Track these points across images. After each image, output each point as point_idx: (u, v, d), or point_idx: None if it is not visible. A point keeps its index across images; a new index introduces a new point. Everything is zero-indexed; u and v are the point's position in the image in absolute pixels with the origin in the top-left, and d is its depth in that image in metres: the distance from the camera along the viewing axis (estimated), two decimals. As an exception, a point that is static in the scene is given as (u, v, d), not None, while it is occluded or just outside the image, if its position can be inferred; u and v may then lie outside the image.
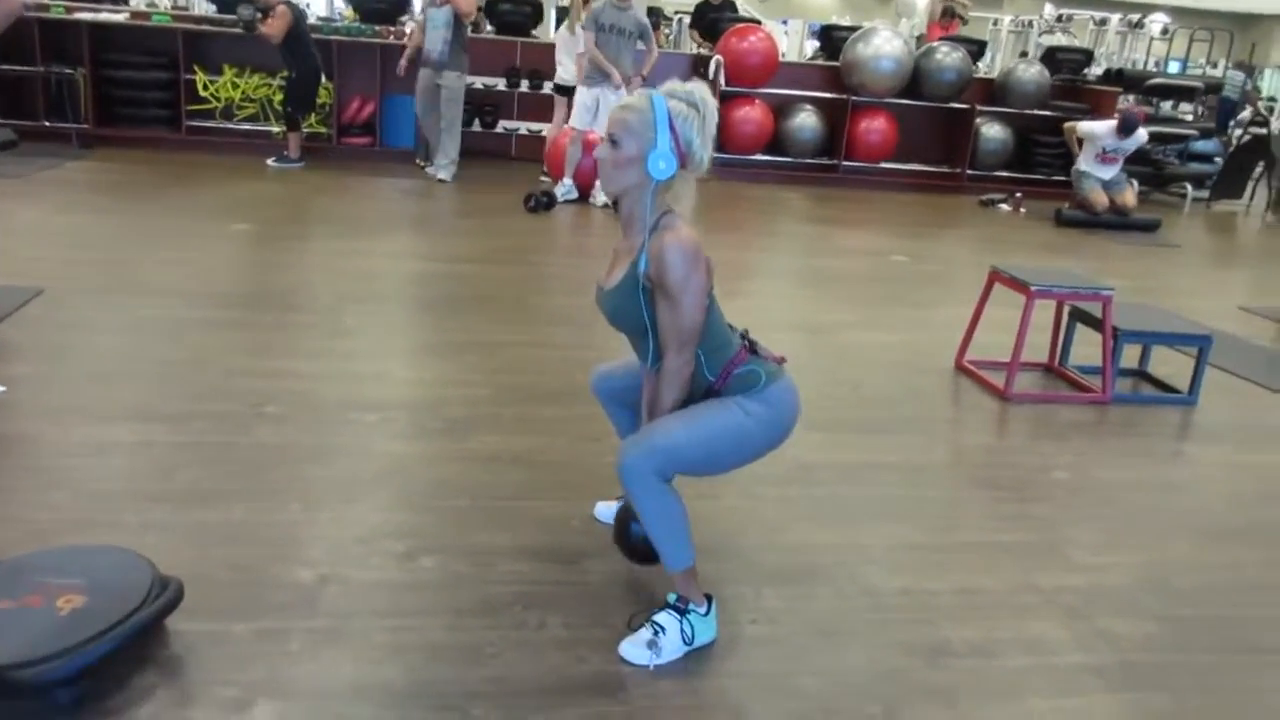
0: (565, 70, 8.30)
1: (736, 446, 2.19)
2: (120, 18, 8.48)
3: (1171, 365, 4.58)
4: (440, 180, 8.00)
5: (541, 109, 9.19)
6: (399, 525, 2.65)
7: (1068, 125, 8.62)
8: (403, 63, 7.99)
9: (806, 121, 9.48)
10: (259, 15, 7.72)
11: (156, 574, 2.14)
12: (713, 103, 2.12)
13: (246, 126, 8.85)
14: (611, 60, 7.23)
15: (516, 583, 2.42)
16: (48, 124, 8.33)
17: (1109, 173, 8.44)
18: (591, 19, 7.27)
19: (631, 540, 2.35)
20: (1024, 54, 12.61)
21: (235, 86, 8.72)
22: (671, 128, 2.06)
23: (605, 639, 2.21)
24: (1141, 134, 8.21)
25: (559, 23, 10.47)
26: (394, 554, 2.51)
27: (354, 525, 2.63)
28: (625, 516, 2.37)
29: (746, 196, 8.57)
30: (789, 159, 9.62)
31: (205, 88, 8.67)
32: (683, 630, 2.18)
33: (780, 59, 9.70)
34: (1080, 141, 8.44)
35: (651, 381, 2.25)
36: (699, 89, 2.11)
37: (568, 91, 8.13)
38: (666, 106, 2.06)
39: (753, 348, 2.25)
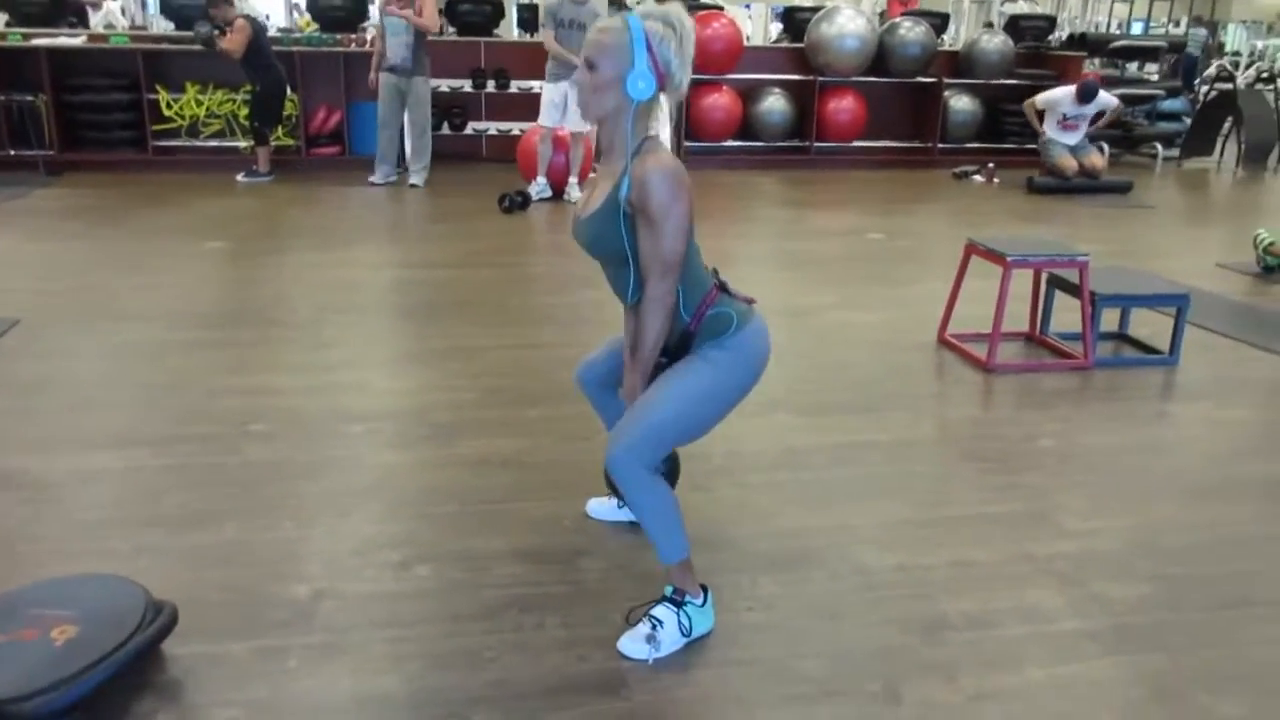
0: None
1: (713, 405, 2.19)
2: (78, 42, 8.41)
3: (1151, 326, 4.61)
4: (413, 185, 7.97)
5: (510, 108, 9.17)
6: (392, 535, 2.65)
7: (1026, 102, 8.63)
8: (372, 75, 7.90)
9: (775, 105, 9.49)
10: (217, 32, 7.66)
11: (150, 599, 2.13)
12: (689, 22, 2.09)
13: (213, 143, 8.79)
14: (575, 54, 7.21)
15: (512, 585, 2.42)
16: (12, 153, 8.26)
17: (1074, 138, 8.51)
18: (549, 15, 7.23)
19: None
20: (989, 24, 12.65)
21: (199, 104, 8.66)
22: (649, 48, 2.03)
23: (604, 636, 2.21)
24: (1103, 98, 8.27)
25: (521, 22, 10.44)
26: (388, 564, 2.51)
27: (347, 538, 2.63)
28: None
29: (719, 183, 8.57)
30: (760, 143, 9.63)
31: (169, 106, 8.60)
32: (680, 622, 2.18)
33: (745, 43, 9.70)
34: (1041, 114, 8.50)
35: (633, 321, 2.21)
36: (675, 9, 2.08)
37: None
38: (643, 27, 2.03)
39: (724, 287, 2.23)
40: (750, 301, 2.27)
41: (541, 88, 7.41)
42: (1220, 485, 3.11)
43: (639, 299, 2.14)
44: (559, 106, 7.27)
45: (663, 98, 2.12)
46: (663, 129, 2.19)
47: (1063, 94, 8.28)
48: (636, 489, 2.11)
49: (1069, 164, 8.42)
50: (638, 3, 11.21)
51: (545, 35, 7.27)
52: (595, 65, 2.06)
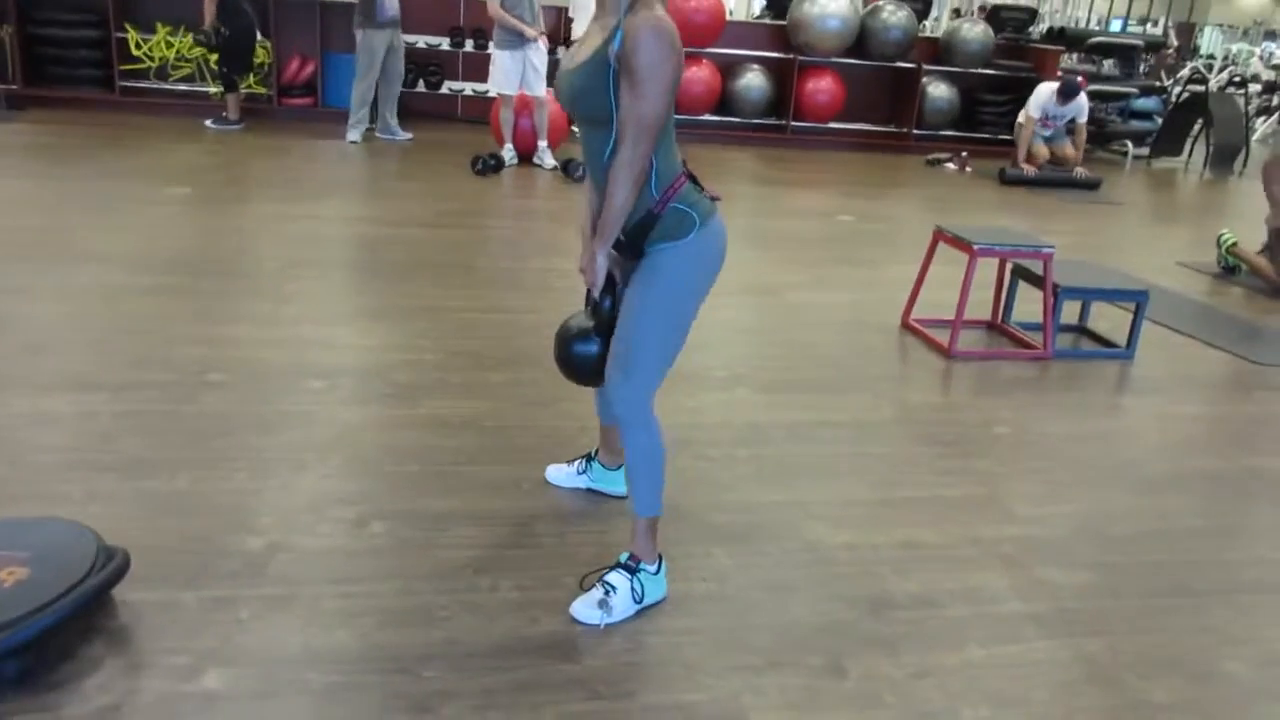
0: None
1: (684, 310, 2.17)
2: (46, -27, 8.19)
3: (1111, 320, 4.69)
4: (394, 139, 7.94)
5: (486, 70, 9.04)
6: (348, 492, 2.65)
7: (1024, 119, 8.51)
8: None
9: (754, 81, 9.47)
10: (217, 30, 7.52)
11: (101, 544, 2.12)
12: None
13: (182, 87, 8.63)
14: (519, 19, 7.10)
15: (468, 547, 2.43)
16: (-27, 85, 8.05)
17: (1048, 133, 8.60)
18: None
19: (577, 360, 2.30)
20: (956, 11, 12.64)
21: (169, 45, 8.48)
22: None
23: (557, 600, 2.23)
24: (1080, 100, 8.33)
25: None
26: (344, 520, 2.51)
27: (302, 493, 2.62)
28: (565, 334, 2.31)
29: (694, 158, 8.54)
30: (737, 119, 9.61)
31: (138, 46, 8.41)
32: (633, 589, 2.21)
33: (727, 18, 9.65)
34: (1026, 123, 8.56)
35: (598, 194, 2.16)
36: None
37: None
38: None
39: (692, 177, 2.19)
40: (715, 199, 2.23)
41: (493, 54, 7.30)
42: (1168, 478, 3.18)
43: (611, 162, 2.06)
44: (516, 73, 7.17)
45: None
46: None
47: (1045, 91, 8.34)
48: (641, 431, 2.14)
49: (1040, 151, 8.53)
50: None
51: (491, 4, 7.12)
52: None
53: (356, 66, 7.77)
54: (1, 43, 7.95)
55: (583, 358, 2.27)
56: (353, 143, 7.85)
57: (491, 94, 7.52)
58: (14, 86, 8.04)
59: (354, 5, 7.80)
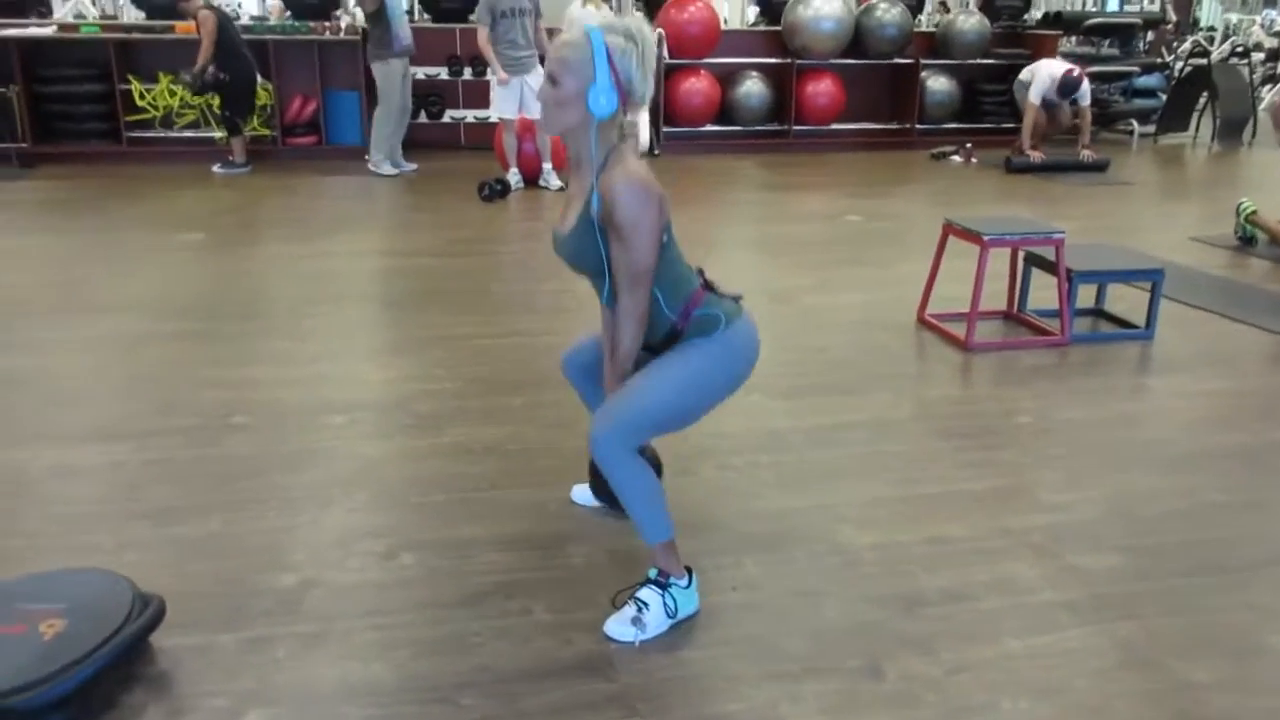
0: None
1: (700, 395, 2.21)
2: (48, 31, 8.32)
3: (1128, 301, 4.66)
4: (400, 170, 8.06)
5: (486, 97, 9.10)
6: (376, 525, 2.66)
7: (1029, 107, 8.55)
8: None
9: (753, 89, 9.49)
10: (203, 74, 7.63)
11: (136, 592, 2.14)
12: (651, 35, 2.09)
13: (188, 134, 8.73)
14: (513, 43, 7.15)
15: (498, 572, 2.44)
16: (-16, 146, 8.18)
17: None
18: (487, 9, 7.09)
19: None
20: (943, 5, 12.64)
21: (172, 94, 8.58)
22: (610, 63, 2.04)
23: (590, 620, 2.24)
24: (1082, 88, 8.38)
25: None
26: (373, 553, 2.52)
27: (331, 528, 2.64)
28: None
29: (698, 168, 8.58)
30: (739, 127, 9.63)
31: (142, 96, 8.53)
32: (665, 604, 2.21)
33: (722, 27, 9.69)
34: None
35: (609, 324, 2.24)
36: (635, 21, 2.09)
37: None
38: (605, 41, 2.04)
39: (709, 286, 2.25)
40: (737, 298, 2.29)
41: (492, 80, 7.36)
42: (1195, 456, 3.16)
43: (614, 303, 2.17)
44: (513, 97, 7.23)
45: (625, 110, 2.12)
46: (642, 129, 2.21)
47: (1045, 74, 8.36)
48: (618, 469, 2.13)
49: (1039, 117, 8.61)
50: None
51: (480, 33, 7.17)
52: (557, 80, 2.07)
53: (379, 97, 7.86)
54: (9, 102, 8.08)
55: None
56: (387, 175, 7.92)
57: (493, 119, 7.58)
58: (23, 145, 8.17)
59: (360, 41, 7.88)
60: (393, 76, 7.78)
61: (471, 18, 9.59)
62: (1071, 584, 2.43)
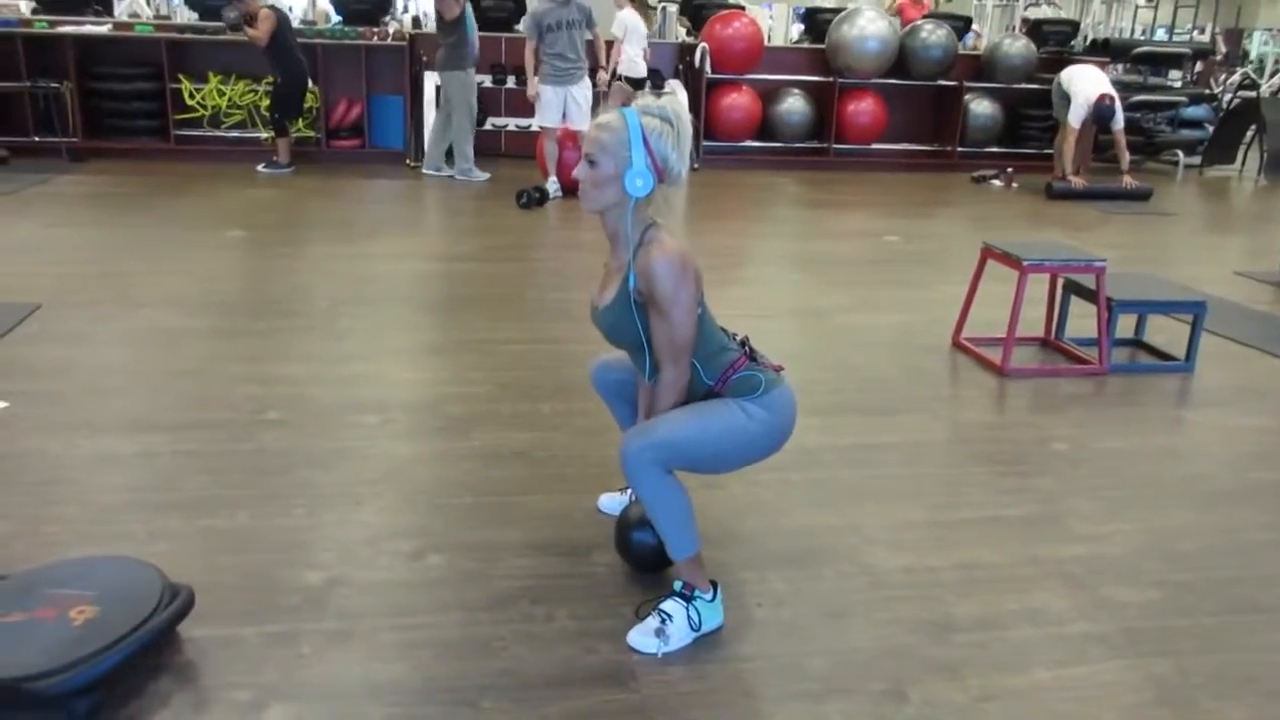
0: (630, 64, 8.37)
1: (737, 447, 2.21)
2: (104, 30, 8.48)
3: (1168, 333, 4.59)
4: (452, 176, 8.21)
5: (528, 106, 9.17)
6: (404, 525, 2.67)
7: (1069, 132, 8.51)
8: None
9: (795, 105, 9.48)
10: (245, 16, 7.72)
11: (166, 582, 2.16)
12: (686, 115, 2.15)
13: (235, 134, 8.86)
14: (560, 55, 7.21)
15: (523, 577, 2.44)
16: (37, 139, 8.35)
17: None
18: (533, 23, 7.21)
19: (634, 549, 2.41)
20: (970, 27, 12.48)
21: (221, 94, 8.72)
22: (646, 145, 2.09)
23: (614, 629, 2.23)
24: (1116, 118, 8.36)
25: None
26: (401, 554, 2.53)
27: (360, 527, 2.65)
28: (625, 523, 2.42)
29: (738, 183, 8.57)
30: (779, 144, 9.62)
31: (191, 96, 8.66)
32: (690, 617, 2.20)
33: (765, 44, 9.70)
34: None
35: (649, 394, 2.27)
36: (672, 103, 2.14)
37: (638, 85, 8.24)
38: (640, 124, 2.09)
39: (752, 355, 2.27)
40: (779, 369, 2.30)
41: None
42: (1233, 491, 3.10)
43: (656, 380, 2.20)
44: (556, 107, 7.29)
45: (661, 189, 2.17)
46: (669, 214, 2.24)
47: (1084, 102, 8.29)
48: (647, 483, 2.12)
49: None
50: (657, 2, 11.22)
51: (527, 45, 7.30)
52: (596, 162, 2.12)
53: (455, 106, 7.95)
54: (62, 97, 8.24)
55: (641, 546, 2.37)
56: (480, 181, 8.03)
57: (534, 128, 7.63)
58: (75, 139, 8.32)
59: (407, 47, 7.95)
60: (470, 86, 7.95)
61: (517, 28, 9.70)
62: (1105, 617, 2.38)
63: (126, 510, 2.69)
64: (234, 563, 2.45)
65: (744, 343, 2.30)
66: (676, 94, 7.20)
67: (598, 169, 2.12)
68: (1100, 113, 8.28)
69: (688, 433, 2.14)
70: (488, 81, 9.19)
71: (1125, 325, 4.46)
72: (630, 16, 8.49)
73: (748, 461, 2.27)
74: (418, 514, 2.74)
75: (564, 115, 7.33)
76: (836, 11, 9.98)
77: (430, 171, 8.28)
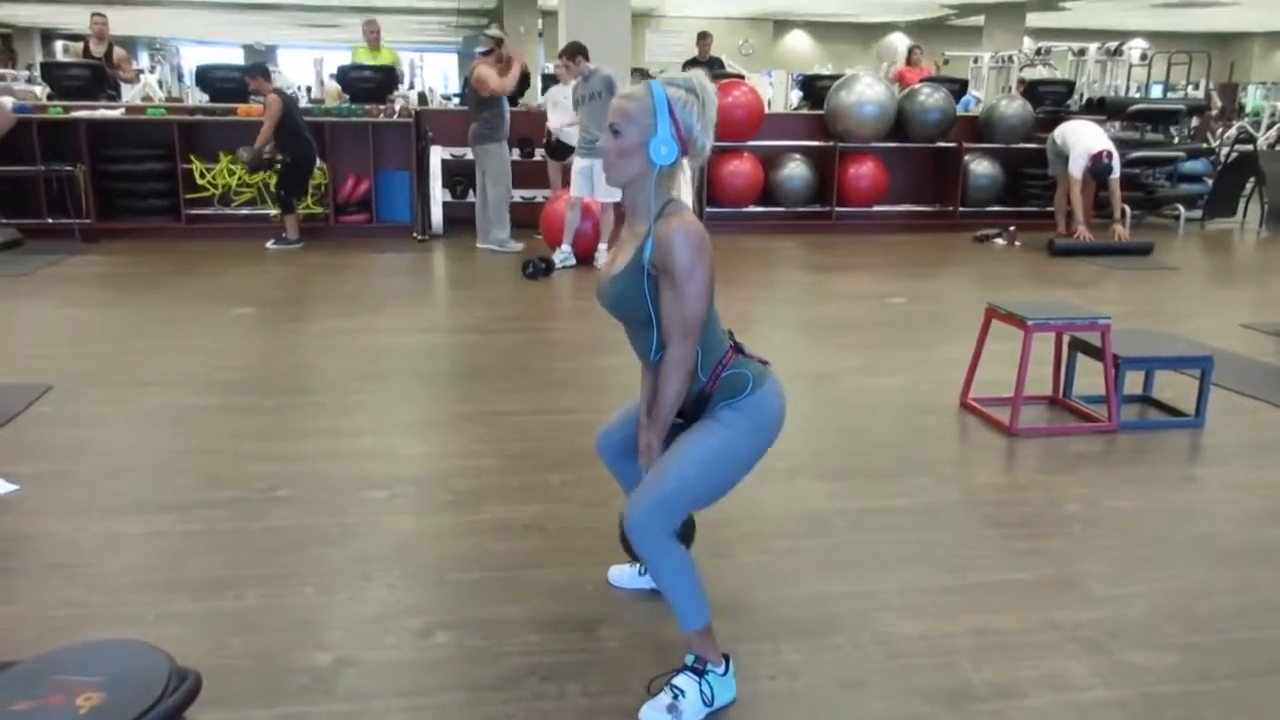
0: (560, 131, 8.55)
1: (730, 467, 2.20)
2: (116, 114, 8.66)
3: (1177, 388, 4.58)
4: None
5: (534, 176, 9.33)
6: (413, 602, 2.66)
7: (1073, 185, 8.68)
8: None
9: (796, 170, 9.59)
10: (261, 154, 7.95)
11: (174, 666, 2.13)
12: (711, 88, 2.13)
13: (245, 211, 8.99)
14: (587, 129, 7.38)
15: (533, 653, 2.42)
16: (50, 221, 8.47)
17: None
18: (575, 100, 7.51)
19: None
20: (1013, 83, 12.74)
21: (231, 173, 8.87)
22: (671, 114, 2.08)
23: (625, 705, 2.20)
24: (1114, 172, 8.56)
25: (546, 92, 10.64)
26: (409, 631, 2.51)
27: (368, 605, 2.64)
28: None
29: (741, 248, 8.64)
30: (781, 208, 9.72)
31: (202, 175, 8.81)
32: (702, 691, 2.17)
33: (766, 110, 9.85)
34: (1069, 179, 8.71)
35: (651, 380, 2.25)
36: (697, 75, 2.14)
37: (561, 154, 8.39)
38: (665, 94, 2.09)
39: (739, 348, 2.25)
40: (765, 363, 2.29)
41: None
42: (1249, 549, 3.06)
43: (659, 359, 2.17)
44: (588, 179, 7.41)
45: (685, 161, 2.17)
46: (685, 191, 2.22)
47: (1083, 155, 8.44)
48: (655, 553, 2.11)
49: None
50: (659, 72, 11.42)
51: (579, 116, 7.53)
52: (620, 131, 2.11)
53: (493, 179, 8.13)
54: (75, 180, 8.39)
55: None
56: (516, 251, 8.10)
57: (538, 200, 7.76)
58: (87, 220, 8.45)
59: (413, 124, 8.10)
60: (504, 158, 8.17)
61: (521, 101, 9.87)
62: (1125, 682, 2.34)
63: (136, 592, 2.68)
64: (243, 644, 2.44)
65: (731, 335, 2.28)
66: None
67: (622, 138, 2.11)
68: (1098, 169, 8.42)
69: (679, 480, 2.13)
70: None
71: (1133, 381, 4.45)
72: (558, 90, 8.68)
73: (748, 469, 2.24)
74: (426, 590, 2.72)
75: (592, 187, 7.44)
76: (835, 78, 10.15)
77: (493, 246, 8.31)
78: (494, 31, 8.88)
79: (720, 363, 2.20)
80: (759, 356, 2.29)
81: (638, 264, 2.13)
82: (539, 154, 9.21)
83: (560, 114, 8.46)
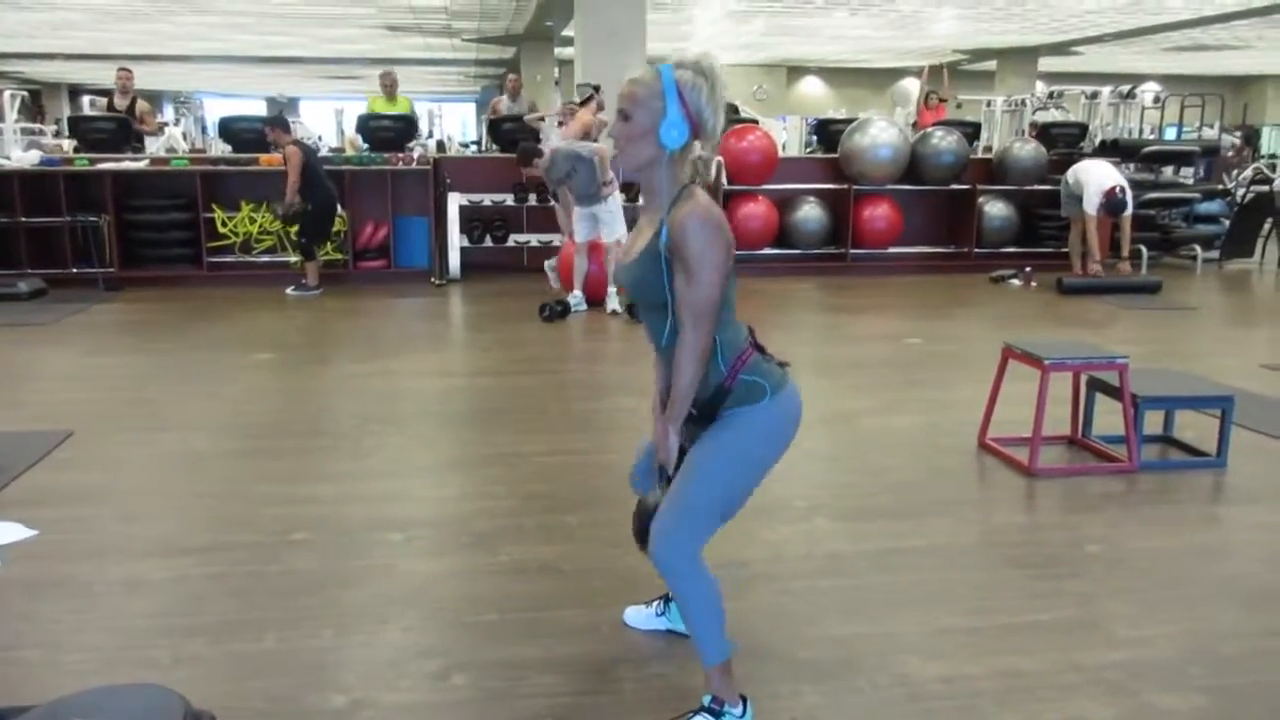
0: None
1: (746, 476, 2.19)
2: (141, 165, 8.82)
3: (1198, 428, 4.54)
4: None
5: (551, 221, 9.41)
6: (429, 644, 2.64)
7: (1089, 227, 8.73)
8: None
9: (811, 213, 9.65)
10: (292, 207, 8.09)
11: (189, 709, 2.13)
12: (720, 69, 2.11)
13: (265, 259, 9.10)
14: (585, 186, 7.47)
15: (548, 695, 2.40)
16: (75, 270, 8.59)
17: None
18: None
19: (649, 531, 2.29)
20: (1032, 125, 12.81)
21: (252, 221, 9.00)
22: (680, 97, 2.06)
23: (642, 748, 2.18)
24: (1126, 207, 8.63)
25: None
26: (425, 674, 2.50)
27: (385, 647, 2.63)
28: (644, 512, 2.33)
29: (757, 291, 8.67)
30: (797, 250, 9.76)
31: (224, 224, 8.94)
32: (720, 733, 2.14)
33: (780, 154, 9.93)
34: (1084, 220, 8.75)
35: (664, 369, 2.23)
36: (705, 57, 2.11)
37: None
38: (674, 76, 2.07)
39: (760, 348, 2.23)
40: (784, 365, 2.27)
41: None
42: (1275, 590, 3.01)
43: (671, 344, 2.15)
44: (590, 222, 7.49)
45: (697, 144, 2.13)
46: (706, 175, 2.22)
47: (1096, 192, 8.48)
48: (681, 581, 2.11)
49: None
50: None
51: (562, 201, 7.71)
52: (629, 116, 2.10)
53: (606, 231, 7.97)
54: (100, 231, 8.53)
55: None
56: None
57: (555, 243, 7.81)
58: (111, 269, 8.57)
59: (430, 171, 8.18)
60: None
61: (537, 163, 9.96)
62: (1150, 724, 2.30)
63: (153, 636, 2.68)
64: (259, 687, 2.43)
65: (751, 331, 2.26)
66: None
67: (632, 123, 2.09)
68: (1112, 204, 8.43)
69: (699, 499, 2.12)
70: (510, 200, 9.46)
71: (1153, 421, 4.42)
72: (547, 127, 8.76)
73: (765, 473, 2.22)
74: (442, 632, 2.71)
75: (595, 229, 7.51)
76: (848, 122, 10.23)
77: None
78: (592, 82, 8.96)
79: (740, 358, 2.17)
80: (779, 358, 2.27)
81: (654, 249, 2.12)
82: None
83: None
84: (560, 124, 9.10)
